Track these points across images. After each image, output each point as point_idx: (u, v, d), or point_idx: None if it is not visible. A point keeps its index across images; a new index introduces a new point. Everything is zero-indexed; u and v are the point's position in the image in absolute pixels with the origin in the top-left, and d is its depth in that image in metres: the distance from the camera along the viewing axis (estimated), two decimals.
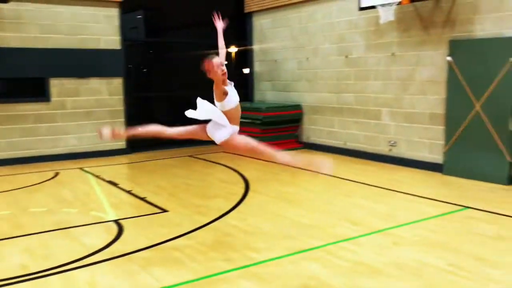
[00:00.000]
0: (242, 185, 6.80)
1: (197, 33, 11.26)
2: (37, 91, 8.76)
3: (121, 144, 9.62)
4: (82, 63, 9.04)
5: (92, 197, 6.22)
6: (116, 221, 5.16)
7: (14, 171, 7.96)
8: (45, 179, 7.30)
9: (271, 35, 10.66)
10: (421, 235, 4.62)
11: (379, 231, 4.77)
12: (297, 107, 10.01)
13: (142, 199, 6.13)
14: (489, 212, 5.33)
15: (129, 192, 6.50)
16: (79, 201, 6.05)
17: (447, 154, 7.30)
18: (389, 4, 7.34)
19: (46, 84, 8.76)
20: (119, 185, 6.86)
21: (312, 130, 9.84)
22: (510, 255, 4.07)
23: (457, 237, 4.53)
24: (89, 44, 9.13)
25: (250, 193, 6.34)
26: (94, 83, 9.29)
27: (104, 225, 5.06)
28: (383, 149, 8.38)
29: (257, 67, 11.21)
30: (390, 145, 8.23)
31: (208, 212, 5.46)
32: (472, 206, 5.55)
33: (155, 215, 5.44)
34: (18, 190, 6.67)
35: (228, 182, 6.97)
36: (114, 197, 6.22)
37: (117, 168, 8.24)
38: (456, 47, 7.08)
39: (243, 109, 10.87)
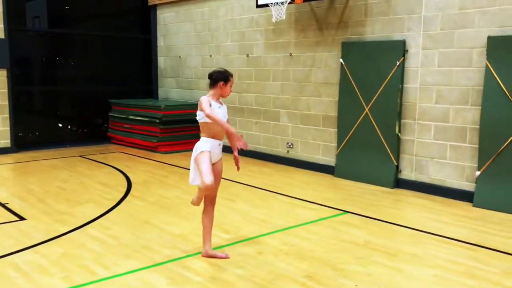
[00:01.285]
0: (123, 189, 6.35)
1: (104, 26, 10.63)
2: None
3: (6, 142, 8.82)
4: None
5: None
6: None
7: None
8: None
9: (175, 29, 10.24)
10: (289, 242, 4.42)
11: (248, 239, 4.53)
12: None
13: (3, 205, 5.53)
14: (363, 216, 5.27)
15: None
16: None
17: (338, 156, 7.26)
18: (282, 3, 7.17)
19: None
20: None
21: None
22: (369, 264, 3.96)
23: (324, 245, 4.38)
24: None
25: (128, 198, 5.91)
26: None
27: None
28: (281, 151, 8.24)
29: (161, 62, 10.74)
30: (288, 147, 8.10)
31: (70, 221, 4.97)
32: (350, 211, 5.47)
33: (10, 223, 4.88)
34: None
35: (109, 186, 6.49)
36: None
37: None
38: (348, 49, 7.04)
39: (144, 106, 10.25)
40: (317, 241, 4.48)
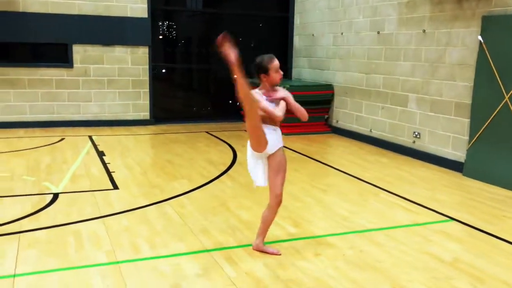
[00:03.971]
0: (223, 167, 6.29)
1: (246, 5, 10.70)
2: (60, 57, 8.92)
3: (145, 115, 9.55)
4: (107, 30, 9.00)
5: (63, 167, 6.13)
6: (56, 195, 4.99)
7: (26, 134, 8.21)
8: (44, 144, 7.42)
9: (311, 6, 9.78)
10: (358, 247, 3.81)
11: (315, 237, 4.04)
12: (329, 87, 9.14)
13: (109, 173, 5.92)
14: (472, 228, 4.32)
15: (105, 164, 6.33)
16: (47, 169, 6.00)
17: (469, 152, 6.13)
18: None
19: (69, 50, 8.87)
20: (105, 157, 6.73)
21: (341, 114, 8.95)
22: None
23: (398, 256, 3.67)
24: (115, 12, 9.05)
25: (222, 178, 5.83)
26: (119, 51, 9.24)
27: (41, 197, 4.91)
28: (406, 141, 7.33)
29: (296, 41, 10.43)
30: (414, 137, 7.15)
31: (155, 195, 5.07)
32: (458, 219, 4.54)
33: (102, 191, 5.18)
34: (8, 153, 6.83)
35: (212, 163, 6.50)
36: (84, 169, 6.08)
37: (123, 139, 8.13)
38: (489, 24, 5.83)
39: None
40: (391, 250, 3.79)
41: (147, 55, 9.40)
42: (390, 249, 3.82)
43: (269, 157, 3.53)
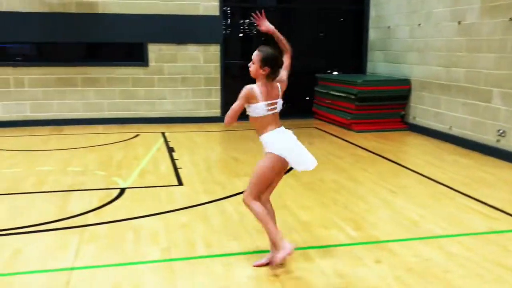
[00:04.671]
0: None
1: None
2: (136, 56, 9.24)
3: (216, 112, 9.64)
4: (180, 29, 9.18)
5: (134, 162, 6.31)
6: (123, 190, 5.14)
7: (105, 130, 8.59)
8: (119, 140, 7.71)
9: None
10: (424, 255, 3.51)
11: (376, 242, 3.79)
12: (405, 82, 8.65)
13: (176, 169, 6.01)
14: None
15: (173, 160, 6.44)
16: (118, 164, 6.20)
17: None
18: None
19: (144, 49, 9.16)
20: (174, 153, 6.85)
21: (418, 110, 8.43)
22: None
23: (470, 267, 3.32)
24: (187, 10, 9.21)
25: (285, 176, 5.68)
26: (192, 49, 9.39)
27: (108, 192, 5.07)
28: (490, 139, 6.73)
29: (372, 34, 10.00)
30: (498, 135, 6.55)
31: (216, 192, 5.06)
32: None
33: (167, 187, 5.25)
34: (85, 148, 7.17)
35: None
36: (153, 165, 6.22)
37: (194, 136, 8.25)
38: None
39: (344, 81, 9.85)
40: (462, 260, 3.44)
41: (219, 53, 9.47)
42: (461, 258, 3.48)
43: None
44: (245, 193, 3.34)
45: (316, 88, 10.12)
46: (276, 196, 4.89)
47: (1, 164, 6.22)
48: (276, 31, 3.53)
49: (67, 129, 8.66)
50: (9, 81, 8.76)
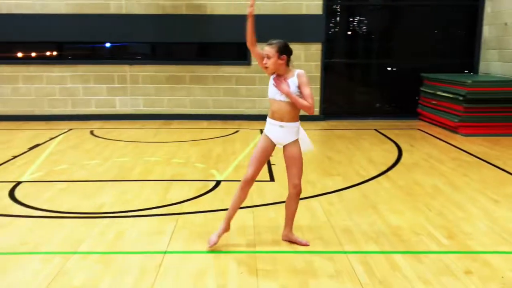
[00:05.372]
0: (383, 168, 6.00)
1: None
2: (239, 55, 9.57)
3: (315, 111, 9.63)
4: (283, 28, 9.30)
5: (231, 157, 6.58)
6: (218, 182, 5.40)
7: (209, 126, 9.02)
8: (220, 135, 8.07)
9: None
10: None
11: (470, 252, 3.58)
12: None
13: (270, 165, 6.15)
14: None
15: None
16: (217, 158, 6.50)
17: None
18: None
19: (247, 49, 9.43)
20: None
21: None
22: None
23: None
24: (291, 10, 9.33)
25: (379, 178, 5.57)
26: (294, 48, 9.40)
27: (205, 183, 5.36)
28: None
29: (486, 32, 9.32)
30: None
31: (307, 190, 5.06)
32: None
33: (258, 182, 5.34)
34: (190, 142, 7.61)
35: (373, 163, 6.25)
36: (248, 160, 6.37)
37: None
38: None
39: (452, 82, 9.56)
40: None
41: (320, 52, 9.48)
42: None
43: (284, 148, 3.65)
44: (299, 183, 3.62)
45: (421, 88, 9.69)
46: (365, 197, 4.85)
47: (114, 153, 6.85)
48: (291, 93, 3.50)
49: (175, 124, 9.26)
50: (126, 78, 9.58)
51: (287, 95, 3.48)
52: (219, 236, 3.68)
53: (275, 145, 3.69)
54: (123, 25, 9.29)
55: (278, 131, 3.59)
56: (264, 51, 3.55)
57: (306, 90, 3.48)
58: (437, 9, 10.01)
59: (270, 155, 3.78)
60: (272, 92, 3.57)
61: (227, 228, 3.71)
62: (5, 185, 5.25)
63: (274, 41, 3.54)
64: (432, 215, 4.37)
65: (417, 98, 9.85)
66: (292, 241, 3.76)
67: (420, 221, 4.21)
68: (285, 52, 3.52)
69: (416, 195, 4.97)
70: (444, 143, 7.52)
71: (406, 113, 9.88)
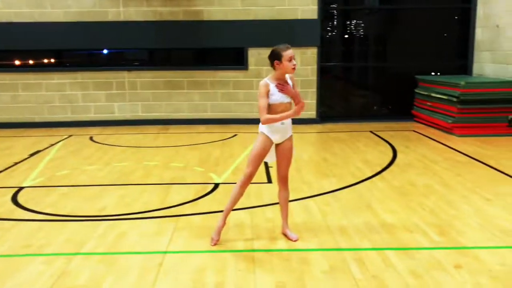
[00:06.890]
0: (378, 168, 6.12)
1: None
2: (236, 60, 9.71)
3: (311, 114, 9.79)
4: (279, 33, 9.44)
5: (229, 160, 6.70)
6: (217, 185, 5.51)
7: (206, 130, 9.14)
8: (218, 139, 8.19)
9: None
10: (510, 263, 3.38)
11: (460, 247, 3.69)
12: None
13: (267, 168, 6.27)
14: None
15: None
16: (215, 161, 6.62)
17: None
18: None
19: (244, 54, 9.59)
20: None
21: None
22: None
23: None
24: (286, 15, 9.47)
25: (373, 179, 5.69)
26: None
27: (204, 186, 5.47)
28: None
29: (478, 34, 9.47)
30: None
31: (302, 191, 5.23)
32: None
33: (256, 184, 5.48)
34: (188, 146, 7.73)
35: (368, 164, 6.36)
36: (246, 163, 6.52)
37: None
38: None
39: (445, 83, 9.73)
40: None
41: (316, 56, 9.62)
42: None
43: (281, 143, 3.87)
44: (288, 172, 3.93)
45: (416, 90, 9.83)
46: (360, 197, 4.97)
47: (113, 158, 6.96)
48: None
49: (173, 128, 9.38)
50: (125, 84, 9.71)
51: (296, 96, 3.73)
52: (219, 233, 3.86)
53: (272, 143, 3.85)
54: (121, 32, 9.42)
55: (281, 130, 3.80)
56: (290, 54, 3.61)
57: (298, 89, 3.86)
58: (431, 12, 10.17)
59: (267, 154, 3.89)
60: (280, 97, 3.71)
61: (224, 224, 3.90)
62: (8, 191, 5.36)
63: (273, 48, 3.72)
64: (425, 214, 4.49)
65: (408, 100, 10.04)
66: (284, 234, 3.97)
67: (413, 219, 4.33)
68: (272, 58, 3.74)
69: (410, 195, 5.09)
70: (438, 143, 7.65)
71: (401, 115, 10.01)
